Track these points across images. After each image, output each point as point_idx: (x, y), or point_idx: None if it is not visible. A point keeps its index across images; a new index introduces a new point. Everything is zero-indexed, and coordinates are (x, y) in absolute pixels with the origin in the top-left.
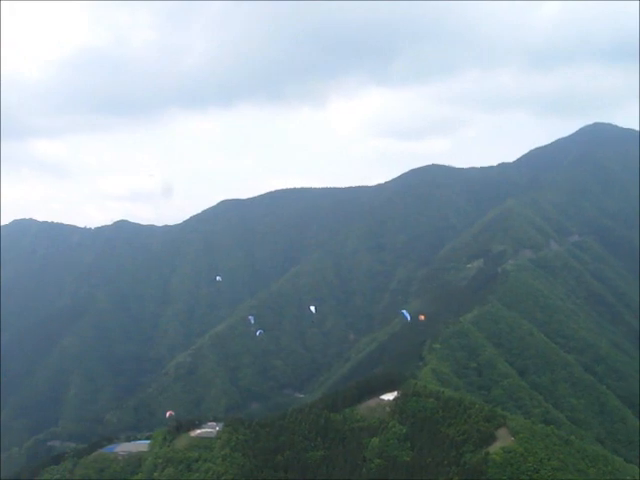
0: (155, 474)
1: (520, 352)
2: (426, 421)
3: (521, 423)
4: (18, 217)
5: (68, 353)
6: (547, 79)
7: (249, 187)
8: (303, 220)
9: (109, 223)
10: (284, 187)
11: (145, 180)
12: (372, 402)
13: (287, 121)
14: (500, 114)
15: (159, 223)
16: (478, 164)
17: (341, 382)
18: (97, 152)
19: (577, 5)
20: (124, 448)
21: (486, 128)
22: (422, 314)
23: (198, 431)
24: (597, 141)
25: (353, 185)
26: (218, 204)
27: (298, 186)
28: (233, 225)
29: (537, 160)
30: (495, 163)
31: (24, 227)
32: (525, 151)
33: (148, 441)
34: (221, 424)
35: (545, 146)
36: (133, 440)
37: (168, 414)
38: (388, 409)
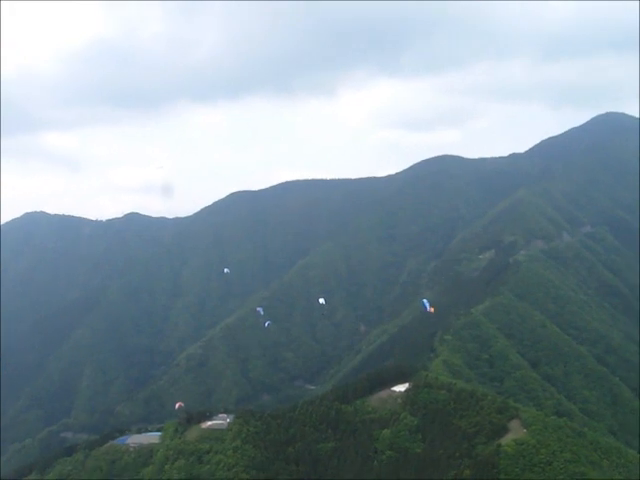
0: (166, 466)
1: (532, 343)
2: (438, 413)
3: (533, 415)
4: (30, 210)
5: (80, 345)
6: (559, 70)
7: (259, 179)
8: (313, 211)
9: (120, 215)
10: (294, 179)
11: (155, 172)
12: (383, 394)
13: (296, 113)
14: (512, 105)
15: (170, 215)
16: (489, 155)
17: (352, 374)
18: (107, 145)
19: None
20: (135, 440)
21: (497, 119)
22: (432, 306)
23: (209, 423)
24: (609, 131)
25: (363, 176)
26: (228, 196)
27: (308, 178)
28: (243, 217)
29: (549, 150)
30: (506, 154)
31: (36, 220)
32: (536, 142)
33: (159, 433)
34: (232, 416)
35: (557, 136)
36: (144, 432)
37: (177, 405)
38: (399, 401)
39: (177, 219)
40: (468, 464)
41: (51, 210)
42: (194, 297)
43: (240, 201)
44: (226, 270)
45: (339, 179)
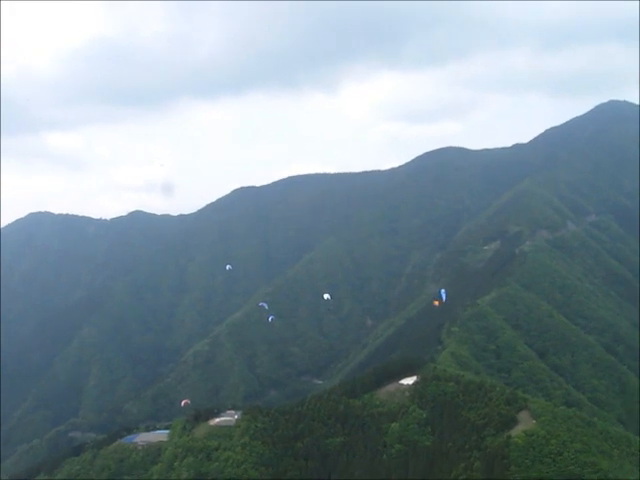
0: (175, 464)
1: (539, 334)
2: (446, 405)
3: (542, 405)
4: (33, 210)
5: (86, 345)
6: (561, 59)
7: (263, 175)
8: (317, 206)
9: (124, 214)
10: (298, 174)
11: (158, 170)
12: (391, 387)
13: (298, 108)
14: (514, 95)
15: (174, 212)
16: (492, 146)
17: (359, 368)
18: (109, 143)
19: None
20: (143, 438)
21: (500, 110)
22: (436, 300)
23: (217, 420)
24: (612, 119)
25: (366, 170)
26: (232, 192)
27: (311, 172)
28: (247, 213)
29: (552, 140)
30: (510, 145)
31: (39, 220)
32: (540, 132)
33: (167, 431)
34: (240, 412)
35: (560, 126)
36: (152, 430)
37: (183, 403)
38: (408, 394)
39: (181, 216)
40: (478, 456)
41: (55, 210)
42: (200, 294)
43: (244, 197)
44: (228, 267)
45: (342, 173)
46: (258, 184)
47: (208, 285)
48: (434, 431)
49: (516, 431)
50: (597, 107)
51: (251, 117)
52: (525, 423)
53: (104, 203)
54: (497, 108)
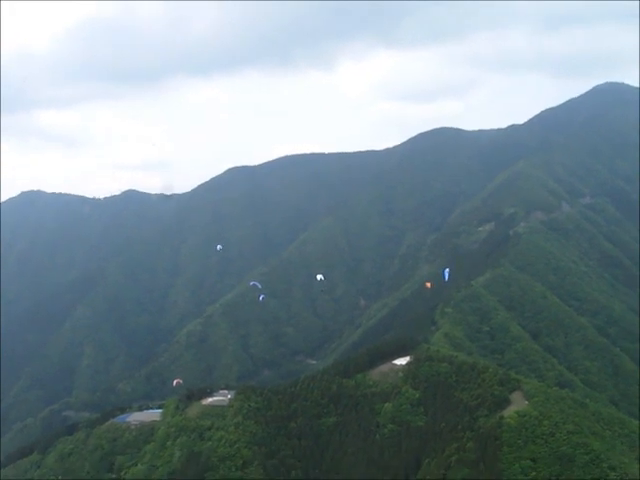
0: (168, 443)
1: (533, 315)
2: (439, 386)
3: (535, 386)
4: (27, 189)
5: (80, 325)
6: (560, 40)
7: (257, 154)
8: (312, 186)
9: (118, 193)
10: (293, 153)
11: (152, 149)
12: (384, 367)
13: (295, 86)
14: (512, 75)
15: (168, 192)
16: (490, 126)
17: (353, 348)
18: (104, 122)
19: None
20: (136, 417)
21: (498, 90)
22: (428, 282)
23: (210, 399)
24: (609, 101)
25: (362, 150)
26: (226, 172)
27: (307, 152)
28: (242, 193)
29: (548, 121)
30: (505, 126)
31: (33, 199)
32: (536, 113)
33: (160, 410)
34: (233, 392)
35: (556, 107)
36: (145, 409)
37: (175, 382)
38: (401, 374)
39: (175, 195)
40: (470, 437)
41: (48, 189)
42: (193, 274)
43: (238, 177)
44: (219, 247)
45: (338, 153)
46: (252, 163)
47: (202, 265)
48: (427, 411)
49: (509, 412)
50: (593, 89)
51: (246, 95)
52: (518, 404)
53: (98, 182)
54: (495, 88)
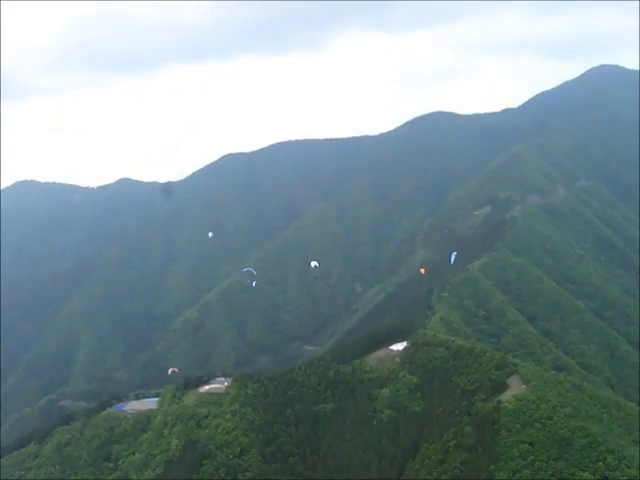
0: (165, 431)
1: (529, 299)
2: (436, 371)
3: (532, 370)
4: (19, 179)
5: (76, 313)
6: (553, 21)
7: (252, 140)
8: (306, 172)
9: (111, 182)
10: (287, 139)
11: (146, 137)
12: (381, 353)
13: (288, 71)
14: (506, 59)
15: (162, 179)
16: (484, 110)
17: (349, 334)
18: (97, 110)
19: None
20: (133, 406)
21: (492, 73)
22: (422, 268)
23: (207, 387)
24: (604, 84)
25: (356, 135)
26: (220, 158)
27: (301, 137)
28: (236, 179)
29: (543, 105)
30: (499, 109)
31: (26, 189)
32: (531, 96)
33: (157, 399)
34: (230, 379)
35: (551, 90)
36: (142, 398)
37: (171, 371)
38: (398, 359)
39: (169, 183)
40: (468, 421)
41: (42, 178)
42: (189, 261)
43: (233, 163)
44: (210, 234)
45: (332, 139)
46: (247, 150)
47: (197, 252)
48: (424, 397)
49: (506, 396)
50: (588, 72)
51: (240, 81)
52: (515, 388)
53: (91, 170)
54: (489, 71)
